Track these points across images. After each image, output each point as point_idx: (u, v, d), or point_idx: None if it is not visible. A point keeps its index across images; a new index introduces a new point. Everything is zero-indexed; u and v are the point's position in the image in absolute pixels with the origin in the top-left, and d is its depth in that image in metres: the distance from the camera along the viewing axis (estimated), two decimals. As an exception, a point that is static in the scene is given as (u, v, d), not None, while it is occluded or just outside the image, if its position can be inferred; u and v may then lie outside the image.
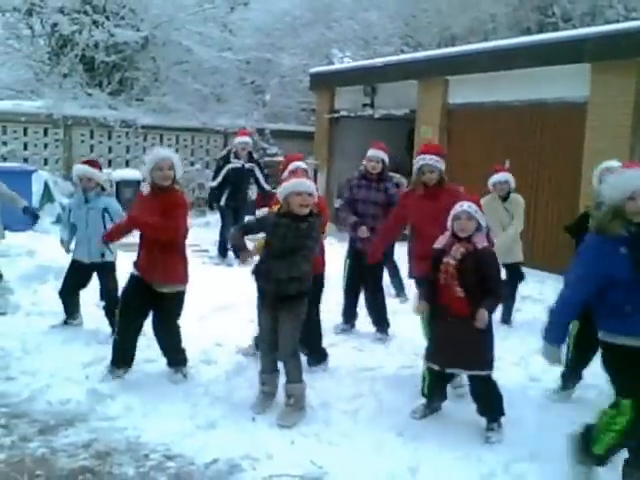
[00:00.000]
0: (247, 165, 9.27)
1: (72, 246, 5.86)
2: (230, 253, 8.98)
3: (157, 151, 4.83)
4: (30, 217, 6.26)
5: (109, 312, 5.60)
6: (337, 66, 15.50)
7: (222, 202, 9.27)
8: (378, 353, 5.60)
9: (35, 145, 13.08)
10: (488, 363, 4.04)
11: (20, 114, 12.78)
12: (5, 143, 12.73)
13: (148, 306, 4.79)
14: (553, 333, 3.42)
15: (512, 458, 3.77)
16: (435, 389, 4.26)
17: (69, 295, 5.88)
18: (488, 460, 3.75)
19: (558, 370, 4.92)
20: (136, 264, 4.81)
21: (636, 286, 3.20)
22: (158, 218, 4.58)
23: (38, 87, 14.15)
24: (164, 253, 4.66)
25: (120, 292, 5.01)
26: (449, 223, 4.05)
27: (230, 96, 16.13)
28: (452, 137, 11.05)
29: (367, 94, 12.53)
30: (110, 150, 13.83)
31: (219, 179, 9.20)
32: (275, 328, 4.29)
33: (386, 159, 6.00)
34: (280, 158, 14.58)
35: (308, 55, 16.38)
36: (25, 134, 12.96)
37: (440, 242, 4.09)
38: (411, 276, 5.08)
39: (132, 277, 4.82)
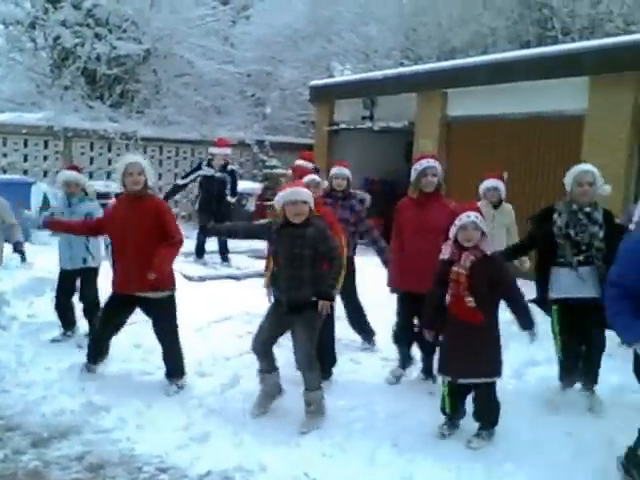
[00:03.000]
0: (217, 175, 9.40)
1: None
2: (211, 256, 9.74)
3: (126, 156, 4.92)
4: (18, 254, 6.11)
5: (87, 315, 5.78)
6: (337, 79, 15.55)
7: (196, 207, 9.74)
8: (373, 364, 5.56)
9: (35, 157, 13.11)
10: (498, 369, 4.04)
11: (21, 126, 12.82)
12: (5, 155, 12.78)
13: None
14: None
15: (506, 472, 3.73)
16: (455, 403, 4.15)
17: (61, 305, 5.90)
18: (478, 470, 3.72)
19: (551, 383, 4.91)
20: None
21: None
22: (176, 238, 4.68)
23: (39, 99, 14.24)
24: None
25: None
26: (452, 233, 4.03)
27: (230, 109, 16.21)
28: (451, 149, 11.07)
29: (366, 107, 12.57)
30: (110, 162, 13.85)
31: (186, 180, 9.69)
32: (274, 337, 4.41)
33: (350, 177, 5.97)
34: (280, 170, 14.70)
35: (309, 68, 16.47)
36: (25, 146, 13.00)
37: (445, 253, 4.08)
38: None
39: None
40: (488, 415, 4.11)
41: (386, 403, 4.59)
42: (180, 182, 9.88)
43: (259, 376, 4.49)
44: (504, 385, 4.57)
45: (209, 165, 9.51)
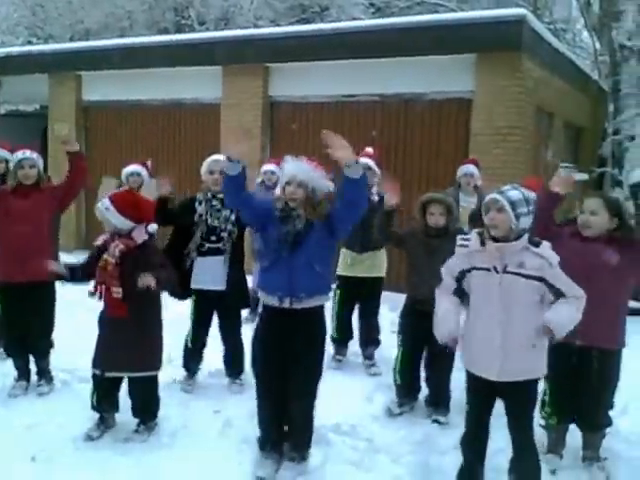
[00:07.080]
0: None
1: None
2: None
3: None
4: None
5: None
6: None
7: None
8: None
9: None
10: (154, 363, 3.88)
11: None
12: None
13: None
14: None
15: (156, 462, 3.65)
16: (105, 398, 3.88)
17: None
18: (122, 464, 3.57)
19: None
20: None
21: None
22: None
23: None
24: None
25: None
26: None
27: None
28: (90, 135, 10.57)
29: (-11, 87, 11.28)
30: None
31: None
32: None
33: None
34: None
35: None
36: None
37: (100, 238, 3.80)
38: None
39: None
40: (148, 408, 3.95)
41: (23, 414, 4.12)
42: None
43: None
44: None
45: None
